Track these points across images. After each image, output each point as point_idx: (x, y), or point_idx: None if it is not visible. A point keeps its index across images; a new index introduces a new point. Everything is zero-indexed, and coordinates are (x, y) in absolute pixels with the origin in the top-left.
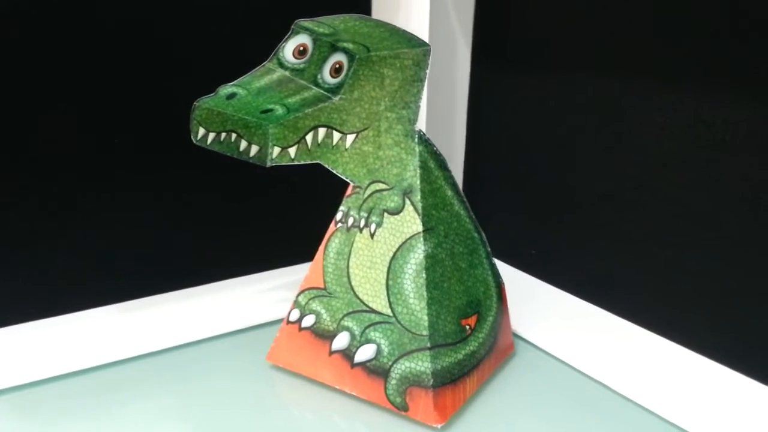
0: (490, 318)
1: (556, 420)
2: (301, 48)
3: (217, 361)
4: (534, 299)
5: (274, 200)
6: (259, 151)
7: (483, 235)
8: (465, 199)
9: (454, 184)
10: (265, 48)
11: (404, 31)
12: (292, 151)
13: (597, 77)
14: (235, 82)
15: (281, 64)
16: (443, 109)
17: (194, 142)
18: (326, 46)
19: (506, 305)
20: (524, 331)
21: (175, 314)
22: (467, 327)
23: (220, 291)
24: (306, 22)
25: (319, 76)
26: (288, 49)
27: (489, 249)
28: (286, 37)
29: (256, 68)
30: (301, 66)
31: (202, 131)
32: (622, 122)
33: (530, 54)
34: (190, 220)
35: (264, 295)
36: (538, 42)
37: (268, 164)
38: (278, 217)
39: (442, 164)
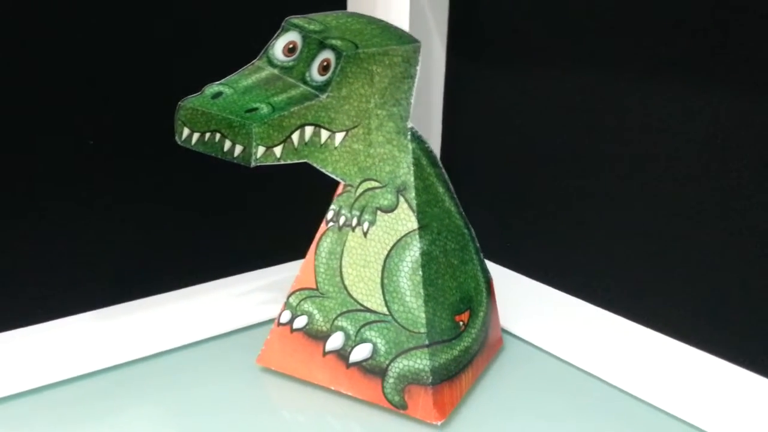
0: (481, 313)
1: (550, 411)
2: (291, 46)
3: (206, 365)
4: (517, 294)
5: (256, 200)
6: (243, 151)
7: (472, 230)
8: (455, 196)
9: (445, 181)
10: (256, 46)
11: (396, 27)
12: (277, 150)
13: (572, 72)
14: (222, 80)
15: (270, 62)
16: (419, 106)
17: (179, 143)
18: (315, 43)
19: (494, 300)
20: (510, 326)
21: (160, 319)
22: (461, 323)
23: (204, 293)
24: (296, 19)
25: (307, 74)
26: (278, 46)
27: (478, 245)
28: (276, 34)
29: (245, 66)
30: (290, 64)
31: (186, 132)
32: (599, 116)
33: (506, 50)
34: (170, 222)
35: (250, 297)
36: (513, 37)
37: (253, 164)
38: (259, 216)
39: (434, 161)
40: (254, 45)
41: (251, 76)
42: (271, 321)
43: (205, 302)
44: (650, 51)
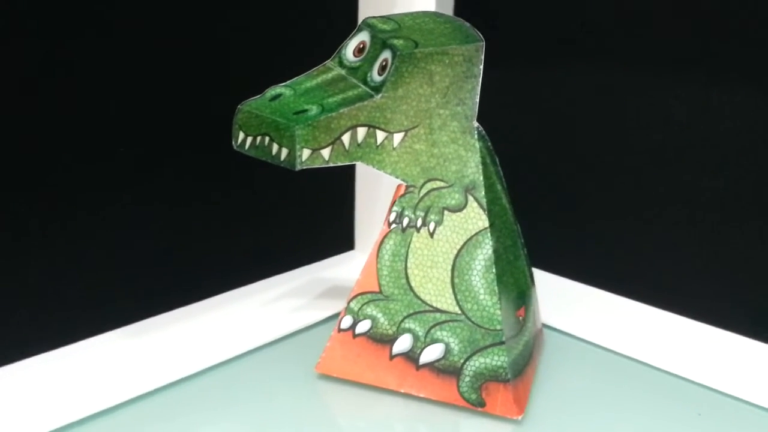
0: (531, 307)
1: (608, 397)
2: (361, 46)
3: (260, 377)
4: (545, 288)
5: (261, 204)
6: (288, 154)
7: (518, 226)
8: (507, 192)
9: (501, 178)
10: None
11: (468, 26)
12: (325, 152)
13: (594, 69)
14: (287, 82)
15: (341, 63)
16: None
17: (234, 147)
18: (379, 43)
19: (536, 294)
20: (546, 319)
21: (192, 332)
22: (520, 318)
23: (237, 300)
24: (372, 19)
25: (369, 75)
26: (350, 47)
27: (522, 240)
28: (351, 34)
29: (315, 67)
30: (357, 64)
31: (241, 136)
32: (611, 112)
33: (519, 47)
34: (192, 226)
35: (286, 301)
36: (525, 35)
37: (297, 168)
38: (259, 226)
39: (494, 159)
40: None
41: (318, 77)
42: (314, 325)
43: (241, 310)
44: (680, 44)
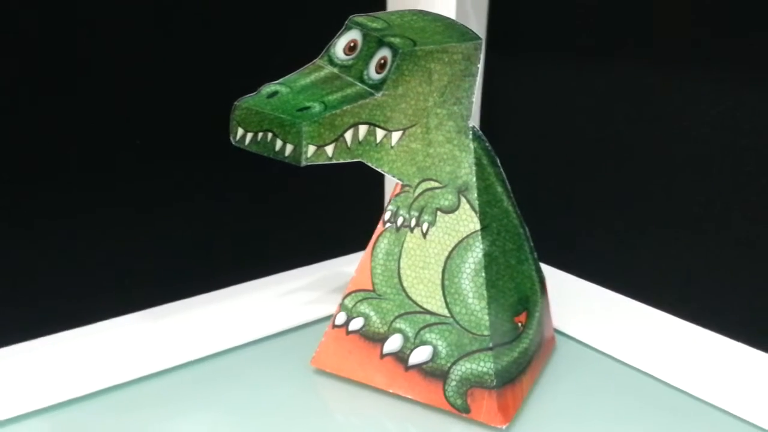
0: (537, 314)
1: (610, 412)
2: (352, 44)
3: (258, 367)
4: (566, 293)
5: (290, 198)
6: (294, 150)
7: (527, 230)
8: (512, 195)
9: (503, 180)
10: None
11: (460, 24)
12: (329, 149)
13: (614, 67)
14: (279, 80)
15: (331, 61)
16: None
17: (233, 143)
18: (374, 41)
19: (548, 300)
20: (562, 326)
21: (207, 320)
22: (519, 324)
23: (250, 292)
24: (360, 17)
25: (365, 73)
26: (339, 45)
27: (531, 244)
28: (339, 33)
29: (306, 66)
30: (350, 62)
31: (240, 131)
32: (643, 111)
33: (545, 46)
34: (214, 220)
35: (298, 295)
36: (552, 34)
37: (303, 164)
38: (304, 213)
39: (493, 160)
40: (318, 44)
41: (310, 75)
42: (321, 320)
43: (252, 302)
44: (697, 43)
